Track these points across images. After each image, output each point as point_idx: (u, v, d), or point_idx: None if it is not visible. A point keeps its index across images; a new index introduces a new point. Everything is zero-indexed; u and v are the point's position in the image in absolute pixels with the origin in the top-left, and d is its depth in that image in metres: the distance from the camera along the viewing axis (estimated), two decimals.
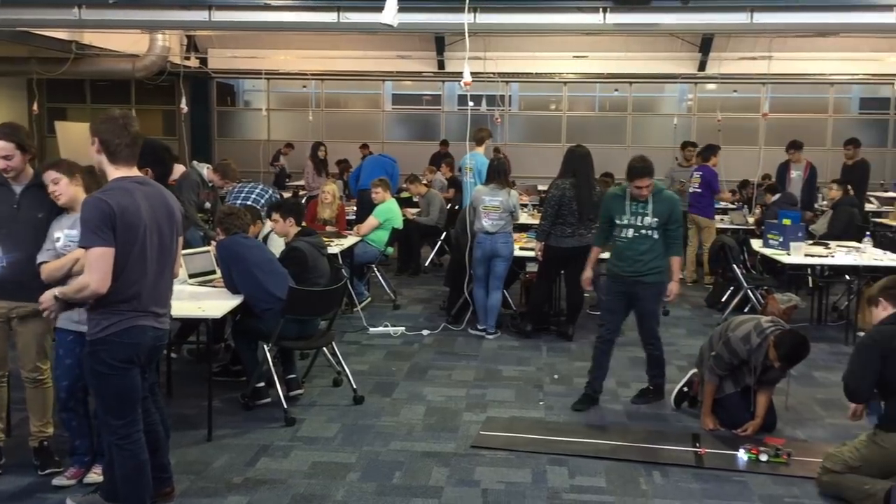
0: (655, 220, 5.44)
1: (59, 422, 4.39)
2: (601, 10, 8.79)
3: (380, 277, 8.95)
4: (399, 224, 8.96)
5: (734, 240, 8.67)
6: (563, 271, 7.41)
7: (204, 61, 17.21)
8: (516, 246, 7.62)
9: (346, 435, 5.05)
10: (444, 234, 10.57)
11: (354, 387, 5.68)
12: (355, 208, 10.86)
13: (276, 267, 5.52)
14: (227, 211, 5.76)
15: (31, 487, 4.24)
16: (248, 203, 7.36)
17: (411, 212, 10.60)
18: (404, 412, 5.48)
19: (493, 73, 14.85)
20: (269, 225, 6.51)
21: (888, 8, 8.31)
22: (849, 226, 9.19)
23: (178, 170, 8.22)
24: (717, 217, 10.38)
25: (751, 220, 10.68)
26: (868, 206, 12.27)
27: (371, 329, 7.53)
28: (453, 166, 13.32)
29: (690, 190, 9.93)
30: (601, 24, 8.94)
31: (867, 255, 7.74)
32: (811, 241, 8.41)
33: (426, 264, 10.77)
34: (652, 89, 18.61)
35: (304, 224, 6.45)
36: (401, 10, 6.13)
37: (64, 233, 4.09)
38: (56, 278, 3.86)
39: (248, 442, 4.89)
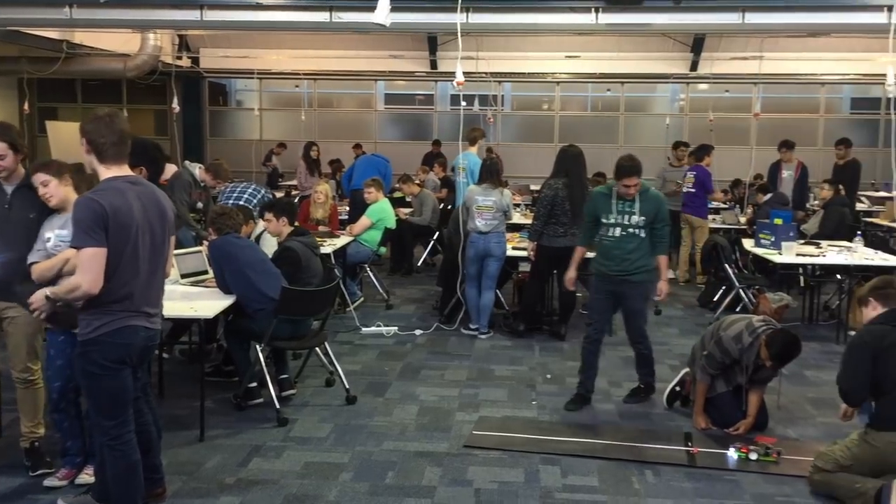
0: (643, 218, 5.45)
1: (50, 422, 4.37)
2: (593, 9, 8.79)
3: (372, 277, 8.95)
4: (392, 224, 8.96)
5: (726, 239, 8.69)
6: (555, 271, 7.42)
7: (196, 61, 17.18)
8: (509, 245, 7.62)
9: (338, 435, 5.04)
10: (437, 233, 10.57)
11: (347, 387, 5.68)
12: (348, 208, 10.85)
13: (269, 267, 5.51)
14: (220, 211, 5.75)
15: (23, 488, 4.22)
16: (241, 203, 7.34)
17: (404, 212, 10.59)
18: (397, 412, 5.48)
19: (486, 73, 14.86)
20: (261, 225, 6.49)
21: (879, 8, 8.33)
22: (840, 225, 9.23)
23: (170, 169, 8.20)
24: (710, 217, 10.41)
25: (742, 219, 10.72)
26: (859, 206, 12.32)
27: (364, 329, 7.52)
28: (446, 166, 13.32)
29: (684, 190, 9.95)
30: (593, 24, 8.94)
31: (858, 254, 7.78)
32: (802, 241, 8.44)
33: (419, 264, 10.78)
34: (644, 89, 18.66)
35: (296, 224, 6.44)
36: (393, 9, 6.11)
37: (55, 233, 4.07)
38: (47, 278, 3.85)
39: (241, 442, 4.88)
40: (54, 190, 4.06)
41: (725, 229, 10.36)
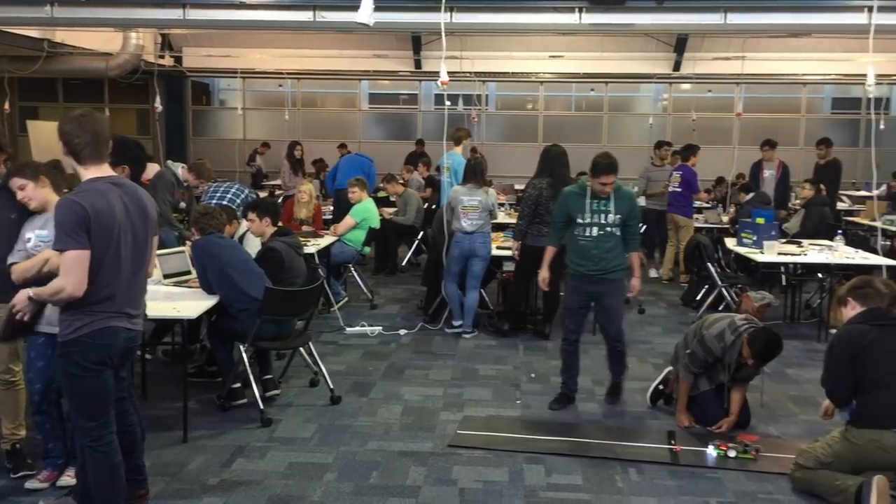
0: (618, 216, 5.45)
1: (32, 424, 4.34)
2: (577, 10, 8.85)
3: (357, 277, 8.94)
4: (376, 224, 8.95)
5: (709, 238, 8.75)
6: (539, 271, 7.42)
7: (178, 60, 17.09)
8: (493, 245, 7.63)
9: (322, 435, 5.03)
10: (421, 233, 10.57)
11: (331, 387, 5.67)
12: (332, 208, 10.83)
13: (252, 267, 5.49)
14: (203, 211, 5.71)
15: (4, 490, 4.19)
16: (224, 203, 7.30)
17: (388, 211, 10.59)
18: (381, 412, 5.47)
19: (470, 73, 14.88)
20: (244, 225, 6.47)
21: (859, 9, 8.43)
22: (820, 225, 9.30)
23: (153, 169, 8.15)
24: (693, 216, 10.46)
25: (725, 219, 10.78)
26: (840, 205, 12.43)
27: (348, 329, 7.51)
28: (430, 165, 13.33)
29: (670, 189, 10.01)
30: (577, 24, 9.00)
31: (839, 253, 7.84)
32: (784, 240, 8.50)
33: (403, 264, 10.77)
34: (627, 89, 18.74)
35: (280, 224, 6.42)
36: (377, 9, 6.12)
37: (35, 233, 4.04)
38: (27, 279, 3.82)
39: (224, 443, 4.86)
40: (32, 193, 4.03)
41: (708, 228, 10.43)
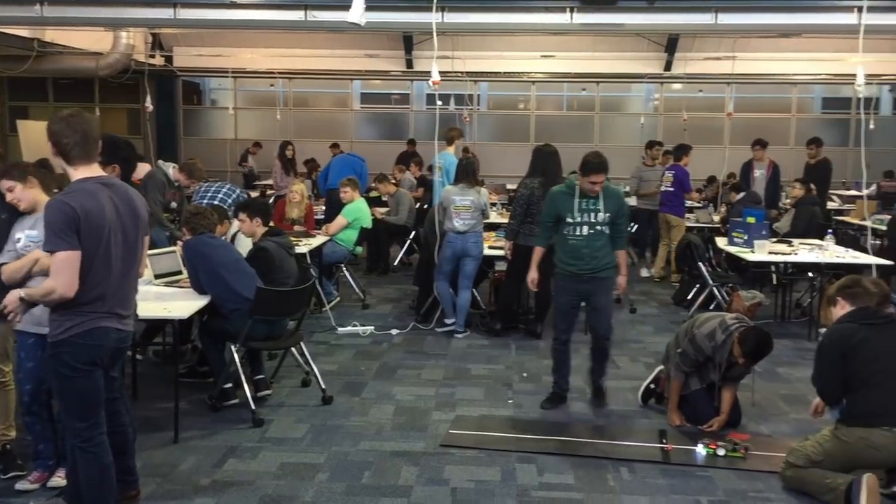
0: (608, 215, 5.45)
1: (22, 425, 4.32)
2: (568, 9, 8.86)
3: (348, 277, 8.93)
4: (368, 223, 8.94)
5: (700, 238, 8.77)
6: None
7: (169, 59, 17.03)
8: (485, 245, 7.64)
9: (314, 435, 5.03)
10: (413, 233, 10.57)
11: (323, 387, 5.66)
12: (324, 208, 10.81)
13: (244, 267, 5.48)
14: (194, 210, 5.70)
15: None
16: (215, 203, 7.30)
17: (380, 211, 10.58)
18: (373, 412, 5.47)
19: (462, 73, 14.89)
20: (236, 224, 6.46)
21: (849, 9, 8.46)
22: (810, 224, 9.34)
23: (144, 169, 8.13)
24: (685, 215, 10.49)
25: (716, 218, 10.81)
26: (830, 205, 12.48)
27: (340, 329, 7.50)
28: (422, 165, 13.32)
29: (663, 189, 10.03)
30: (568, 24, 9.01)
31: (829, 252, 7.87)
32: (775, 239, 8.53)
33: (395, 264, 10.77)
34: (619, 89, 18.77)
35: (271, 224, 6.41)
36: (368, 8, 6.12)
37: (25, 234, 4.03)
38: (16, 280, 3.81)
39: (216, 443, 4.85)
40: (21, 194, 4.02)
41: (699, 228, 10.45)
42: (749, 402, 5.53)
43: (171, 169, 7.61)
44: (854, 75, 6.33)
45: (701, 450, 4.83)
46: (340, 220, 8.61)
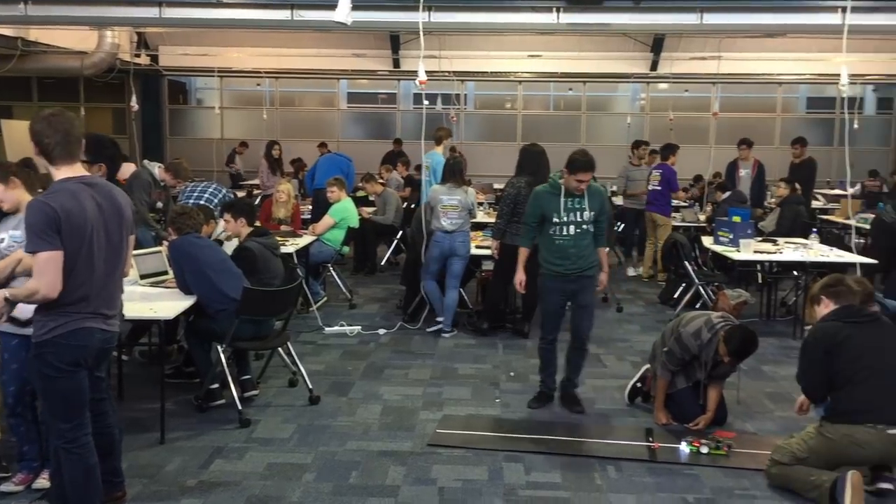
0: (592, 213, 5.45)
1: (6, 427, 4.29)
2: (555, 9, 8.87)
3: (335, 277, 8.91)
4: (355, 223, 8.93)
5: (686, 237, 8.81)
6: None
7: (155, 58, 16.95)
8: (472, 244, 7.64)
9: (301, 435, 5.02)
10: (401, 232, 10.56)
11: (310, 387, 5.65)
12: (311, 207, 10.79)
13: (230, 267, 5.46)
14: (180, 210, 5.68)
15: None
16: (201, 202, 7.27)
17: (367, 211, 10.57)
18: (360, 412, 5.46)
19: (449, 72, 14.89)
20: (221, 224, 6.43)
21: (833, 10, 8.52)
22: (795, 223, 9.40)
23: (129, 169, 8.09)
24: (672, 215, 10.53)
25: (702, 217, 10.86)
26: (815, 204, 12.56)
27: (327, 329, 7.49)
28: (409, 165, 13.32)
29: (650, 188, 10.07)
30: (555, 24, 9.02)
31: (814, 251, 7.92)
32: (760, 238, 8.58)
33: (382, 263, 10.76)
34: (605, 88, 18.84)
35: (257, 224, 6.39)
36: (355, 8, 6.11)
37: (8, 234, 4.01)
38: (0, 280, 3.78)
39: (202, 444, 4.83)
40: (3, 195, 4.00)
41: (685, 227, 10.50)
42: (735, 400, 5.56)
43: (156, 169, 7.57)
44: (838, 75, 6.38)
45: (685, 447, 4.86)
46: (327, 220, 8.60)
